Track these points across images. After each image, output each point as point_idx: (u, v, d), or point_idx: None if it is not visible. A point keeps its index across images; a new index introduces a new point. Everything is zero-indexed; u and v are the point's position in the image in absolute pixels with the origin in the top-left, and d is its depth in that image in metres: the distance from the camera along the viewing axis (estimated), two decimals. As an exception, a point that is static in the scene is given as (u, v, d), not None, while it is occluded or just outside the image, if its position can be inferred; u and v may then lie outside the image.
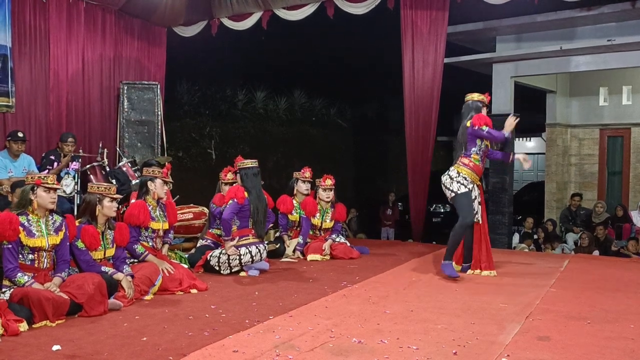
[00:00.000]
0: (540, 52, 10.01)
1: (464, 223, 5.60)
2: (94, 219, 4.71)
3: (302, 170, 7.19)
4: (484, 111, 5.77)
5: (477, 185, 5.74)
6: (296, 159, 13.02)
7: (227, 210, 5.81)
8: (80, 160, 7.11)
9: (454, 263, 5.76)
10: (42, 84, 7.80)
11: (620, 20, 9.56)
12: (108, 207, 4.73)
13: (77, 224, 4.67)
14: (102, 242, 4.72)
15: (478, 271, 5.84)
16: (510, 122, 5.69)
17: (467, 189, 5.60)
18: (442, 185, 5.74)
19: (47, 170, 6.55)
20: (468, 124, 5.66)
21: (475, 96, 5.84)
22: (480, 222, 5.78)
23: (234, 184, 6.16)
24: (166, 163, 6.87)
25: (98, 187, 4.79)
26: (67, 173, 6.90)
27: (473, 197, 5.66)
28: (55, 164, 6.90)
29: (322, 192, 7.09)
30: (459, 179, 5.62)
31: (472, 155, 5.68)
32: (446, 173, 5.75)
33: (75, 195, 6.81)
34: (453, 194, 5.64)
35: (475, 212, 5.67)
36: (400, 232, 12.24)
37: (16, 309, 3.94)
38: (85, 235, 4.59)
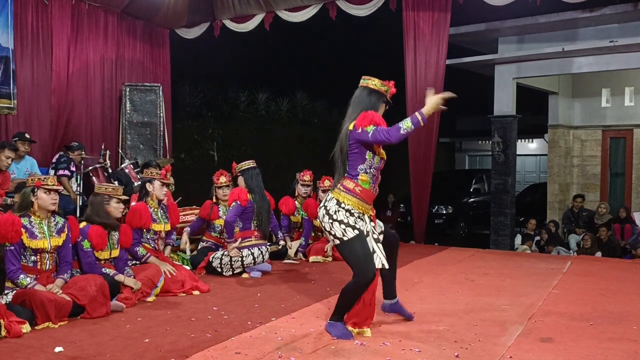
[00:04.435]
0: (542, 53, 10.01)
1: (363, 282, 3.69)
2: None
3: (301, 173, 7.20)
4: (382, 110, 3.87)
5: (370, 216, 3.86)
6: (298, 161, 13.01)
7: (230, 213, 5.82)
8: (82, 162, 7.12)
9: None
10: (44, 86, 7.81)
11: (623, 21, 9.57)
12: (115, 208, 4.76)
13: (81, 226, 4.67)
14: (108, 243, 4.74)
15: (359, 329, 3.87)
16: (434, 102, 3.60)
17: (355, 232, 3.71)
18: (321, 223, 3.85)
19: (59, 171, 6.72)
20: (351, 126, 3.73)
21: (372, 83, 3.84)
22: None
23: (235, 187, 6.16)
24: (166, 164, 6.87)
25: (106, 188, 4.81)
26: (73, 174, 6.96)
27: (365, 235, 3.76)
28: (66, 166, 6.94)
29: (321, 194, 7.09)
30: (340, 217, 3.71)
31: (359, 177, 3.75)
32: (322, 204, 3.84)
33: (78, 196, 6.82)
34: (337, 242, 3.75)
35: (374, 253, 3.75)
36: (401, 233, 12.20)
37: (18, 310, 3.95)
38: (93, 235, 4.60)
